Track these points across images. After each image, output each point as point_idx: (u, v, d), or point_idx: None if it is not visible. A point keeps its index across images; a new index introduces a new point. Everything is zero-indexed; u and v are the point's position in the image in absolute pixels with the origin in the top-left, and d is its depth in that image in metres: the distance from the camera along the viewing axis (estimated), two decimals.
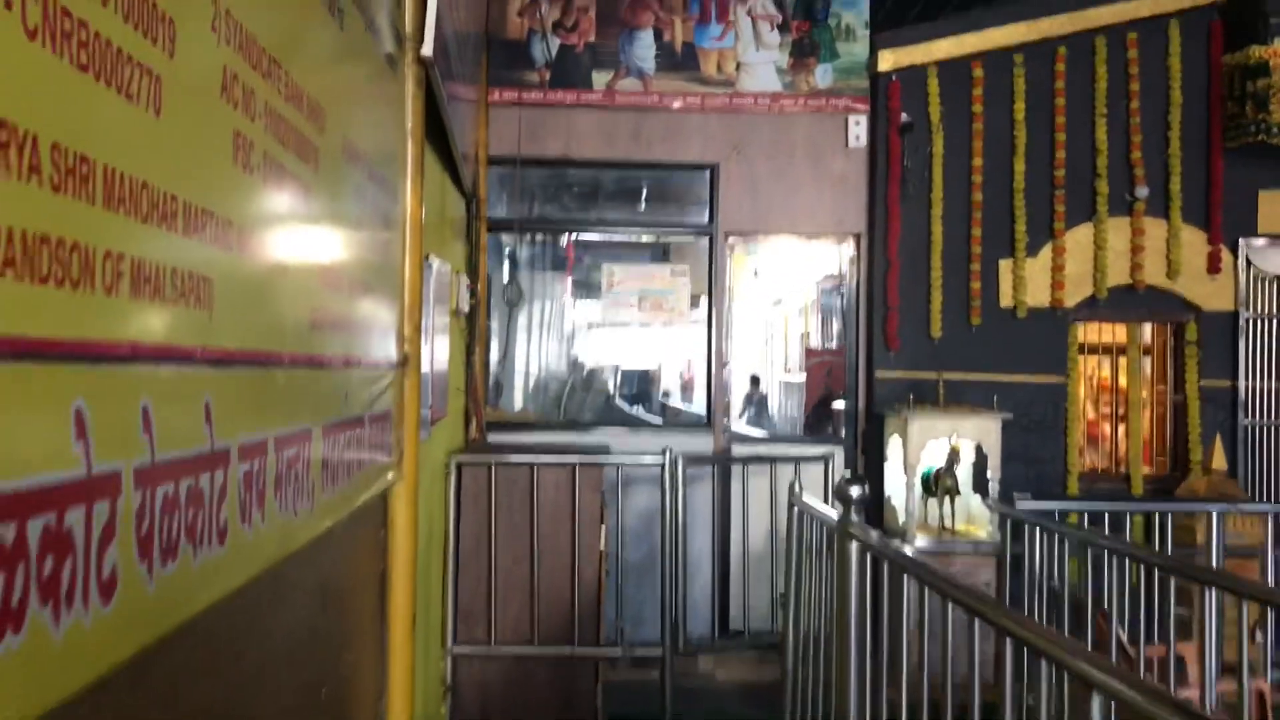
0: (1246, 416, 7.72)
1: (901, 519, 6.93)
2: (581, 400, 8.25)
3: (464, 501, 5.50)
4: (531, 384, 8.31)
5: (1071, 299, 7.63)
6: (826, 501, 5.84)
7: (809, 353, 9.40)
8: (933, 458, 6.88)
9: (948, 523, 6.91)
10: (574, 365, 8.43)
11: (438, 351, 4.51)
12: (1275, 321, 7.81)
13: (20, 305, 1.02)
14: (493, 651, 5.47)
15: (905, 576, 3.24)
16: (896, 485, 7.10)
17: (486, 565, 5.46)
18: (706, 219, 7.82)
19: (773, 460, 6.61)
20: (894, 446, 7.13)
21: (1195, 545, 6.47)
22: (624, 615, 6.30)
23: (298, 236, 2.11)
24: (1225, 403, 7.72)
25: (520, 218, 7.76)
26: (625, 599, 6.41)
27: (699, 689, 6.60)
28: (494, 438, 7.06)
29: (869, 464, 7.55)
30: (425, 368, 3.95)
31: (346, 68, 2.61)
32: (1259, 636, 5.00)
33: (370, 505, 3.09)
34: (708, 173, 7.80)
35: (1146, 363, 7.98)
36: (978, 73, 7.59)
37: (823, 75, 7.72)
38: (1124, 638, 4.47)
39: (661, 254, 8.92)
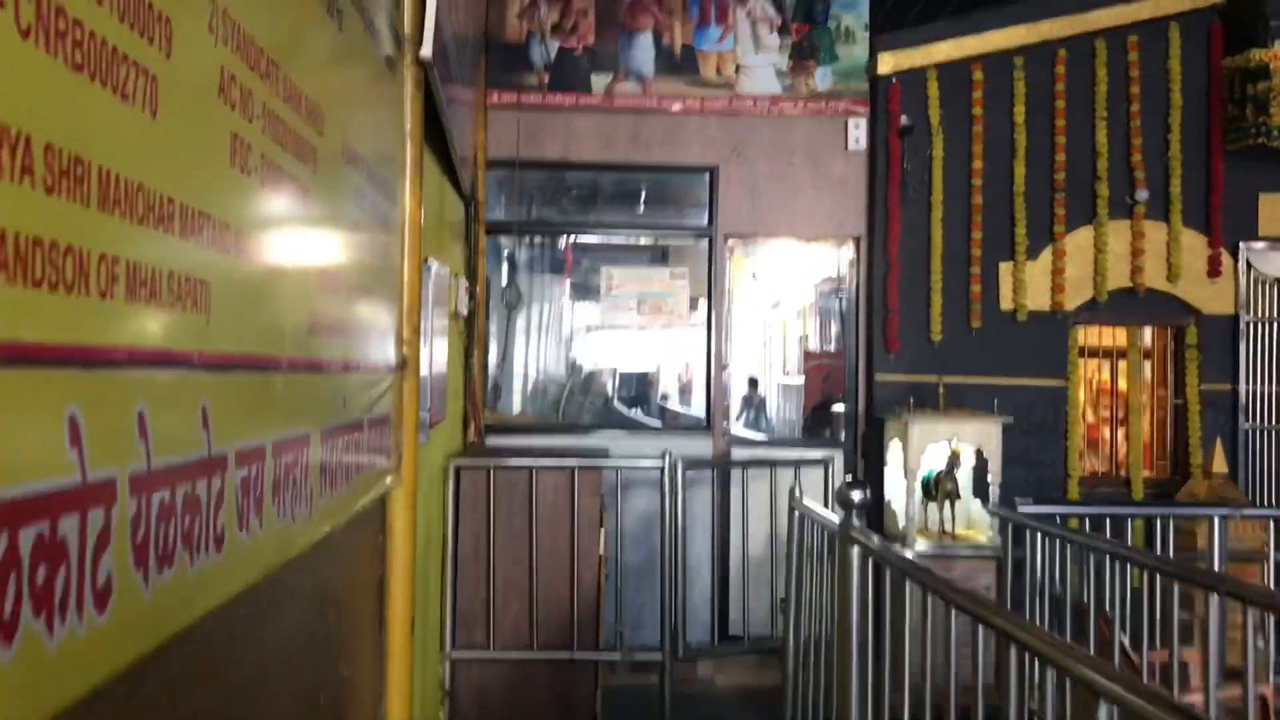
0: (1247, 420, 7.70)
1: (902, 523, 6.91)
2: (580, 403, 8.23)
3: (462, 505, 5.48)
4: (530, 387, 8.30)
5: (1072, 302, 7.62)
6: (826, 505, 5.83)
7: (807, 355, 9.39)
8: (933, 461, 6.86)
9: (948, 527, 6.88)
10: (573, 368, 8.42)
11: (436, 354, 4.50)
12: (1276, 325, 7.79)
13: (13, 309, 1.00)
14: (491, 656, 5.45)
15: (907, 581, 3.22)
16: (896, 489, 7.08)
17: (485, 569, 5.44)
18: (706, 222, 7.80)
19: (772, 464, 6.59)
20: (894, 450, 7.11)
21: (1196, 549, 6.45)
22: (623, 619, 6.28)
23: (296, 239, 2.09)
24: (1226, 406, 7.70)
25: (519, 220, 7.75)
26: (624, 603, 6.39)
27: (698, 694, 6.58)
28: (492, 441, 7.04)
29: (869, 468, 7.53)
30: (424, 371, 3.94)
31: (345, 69, 2.59)
32: (1260, 641, 4.98)
33: (369, 510, 3.07)
34: (707, 175, 7.79)
35: (1147, 366, 7.96)
36: (977, 75, 7.57)
37: (822, 78, 7.71)
38: (1126, 643, 4.45)
39: (660, 257, 8.91)
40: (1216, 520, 4.98)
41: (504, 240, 8.05)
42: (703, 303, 7.86)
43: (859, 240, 7.78)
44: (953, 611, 2.86)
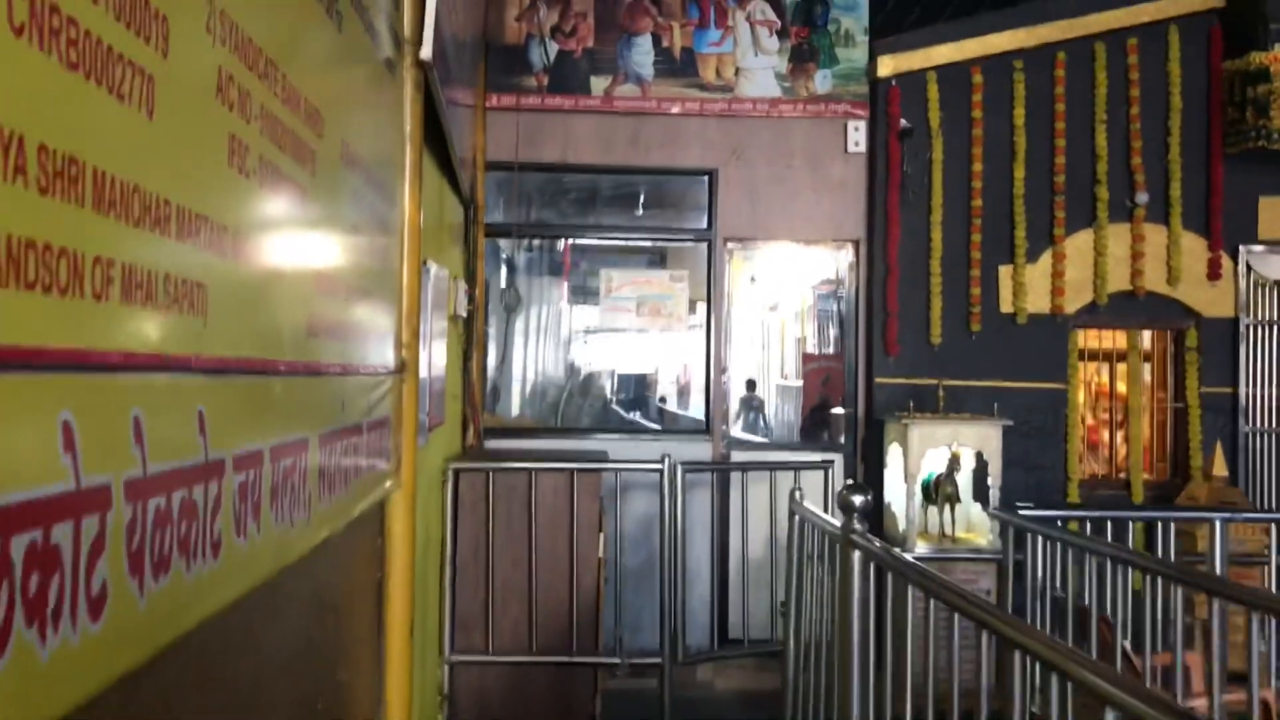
0: (1247, 423, 7.68)
1: (902, 526, 6.89)
2: (579, 406, 8.21)
3: (461, 509, 5.47)
4: (529, 390, 8.28)
5: (1072, 305, 7.60)
6: (826, 509, 5.81)
7: (806, 358, 9.37)
8: (933, 465, 6.84)
9: (948, 530, 6.86)
10: (571, 371, 8.40)
11: (435, 357, 4.48)
12: (1276, 328, 7.78)
13: (5, 312, 0.98)
14: (490, 659, 5.43)
15: (910, 586, 3.20)
16: (896, 492, 7.06)
17: (484, 573, 5.42)
18: (705, 224, 7.79)
19: (772, 467, 6.57)
20: (894, 453, 7.10)
21: (1196, 552, 6.43)
22: (622, 623, 6.26)
23: (294, 242, 2.08)
24: (1226, 409, 7.68)
25: (518, 223, 7.73)
26: (624, 606, 6.36)
27: (698, 697, 6.56)
28: (491, 444, 7.03)
29: (868, 471, 7.51)
30: (423, 374, 3.92)
31: (344, 70, 2.57)
32: (1261, 645, 4.96)
33: (368, 514, 3.06)
34: (706, 178, 7.77)
35: (1146, 369, 7.94)
36: (977, 78, 7.56)
37: (822, 81, 7.69)
38: (1128, 647, 4.44)
39: (659, 260, 8.89)
40: (1218, 524, 4.96)
41: (503, 243, 8.04)
42: (702, 305, 7.84)
43: (858, 243, 7.76)
44: (955, 616, 2.84)
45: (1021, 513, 5.26)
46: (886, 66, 7.57)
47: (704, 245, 7.80)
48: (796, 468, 6.27)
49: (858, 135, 7.66)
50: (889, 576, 3.40)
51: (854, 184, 7.72)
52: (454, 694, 5.39)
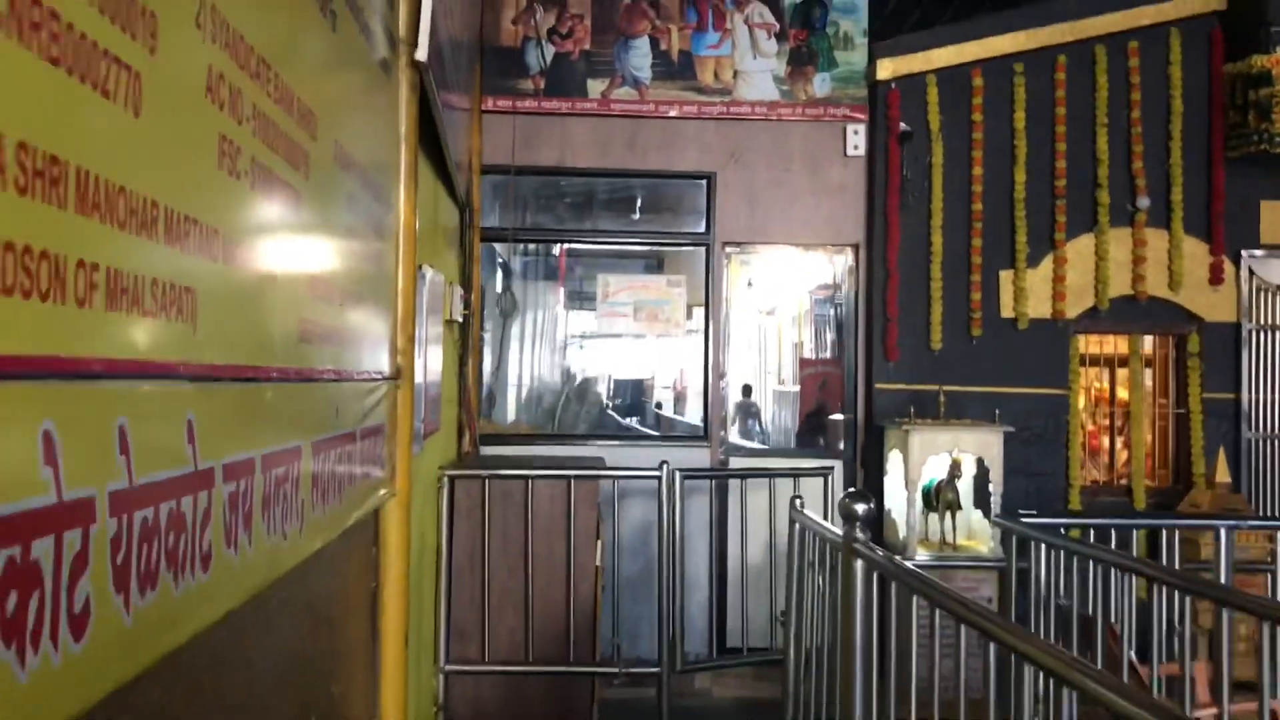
0: (1250, 430, 7.64)
1: (902, 533, 6.86)
2: (576, 412, 8.17)
3: (457, 516, 5.42)
4: (525, 396, 8.24)
5: (1073, 310, 7.57)
6: (826, 516, 5.77)
7: (803, 363, 9.32)
8: (934, 471, 6.81)
9: (949, 537, 6.83)
10: (568, 377, 8.36)
11: (431, 363, 4.44)
12: (1278, 333, 7.74)
13: None
14: (486, 669, 5.38)
15: (913, 595, 3.16)
16: (897, 499, 7.02)
17: (480, 581, 5.37)
18: (703, 229, 7.75)
19: (771, 474, 6.52)
20: (894, 460, 7.06)
21: (1199, 559, 6.40)
22: (620, 631, 6.21)
23: (287, 246, 2.04)
24: (1228, 415, 7.65)
25: (514, 227, 7.68)
26: (621, 614, 6.31)
27: (696, 706, 6.52)
28: (487, 450, 6.98)
29: (868, 477, 7.47)
30: (418, 380, 3.88)
31: (339, 71, 2.53)
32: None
33: (362, 522, 3.01)
34: (704, 182, 7.73)
35: (1148, 374, 7.90)
36: (977, 81, 7.53)
37: (821, 84, 7.66)
38: (1134, 657, 4.39)
39: (657, 264, 8.86)
40: (1223, 531, 4.91)
41: (499, 247, 8.00)
42: (699, 310, 7.80)
43: (858, 247, 7.73)
44: (962, 627, 2.80)
45: (1025, 520, 5.22)
46: (886, 69, 7.53)
47: (702, 249, 7.76)
48: (796, 475, 6.22)
49: (857, 139, 7.63)
50: (892, 586, 3.36)
51: (853, 188, 7.68)
52: (449, 704, 5.34)
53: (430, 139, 4.26)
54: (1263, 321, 7.73)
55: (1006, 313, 7.55)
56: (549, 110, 7.57)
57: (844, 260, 7.89)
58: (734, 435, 8.08)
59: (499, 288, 8.09)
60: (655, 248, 8.50)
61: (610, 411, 8.55)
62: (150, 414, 1.34)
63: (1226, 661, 3.46)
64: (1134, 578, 4.35)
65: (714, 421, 7.64)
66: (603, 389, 8.56)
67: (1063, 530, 5.23)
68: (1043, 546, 4.84)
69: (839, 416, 7.93)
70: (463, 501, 5.43)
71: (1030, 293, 7.52)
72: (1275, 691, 3.42)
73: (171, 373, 1.40)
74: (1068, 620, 4.56)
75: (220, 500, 1.59)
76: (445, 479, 5.37)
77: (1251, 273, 7.70)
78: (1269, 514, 7.47)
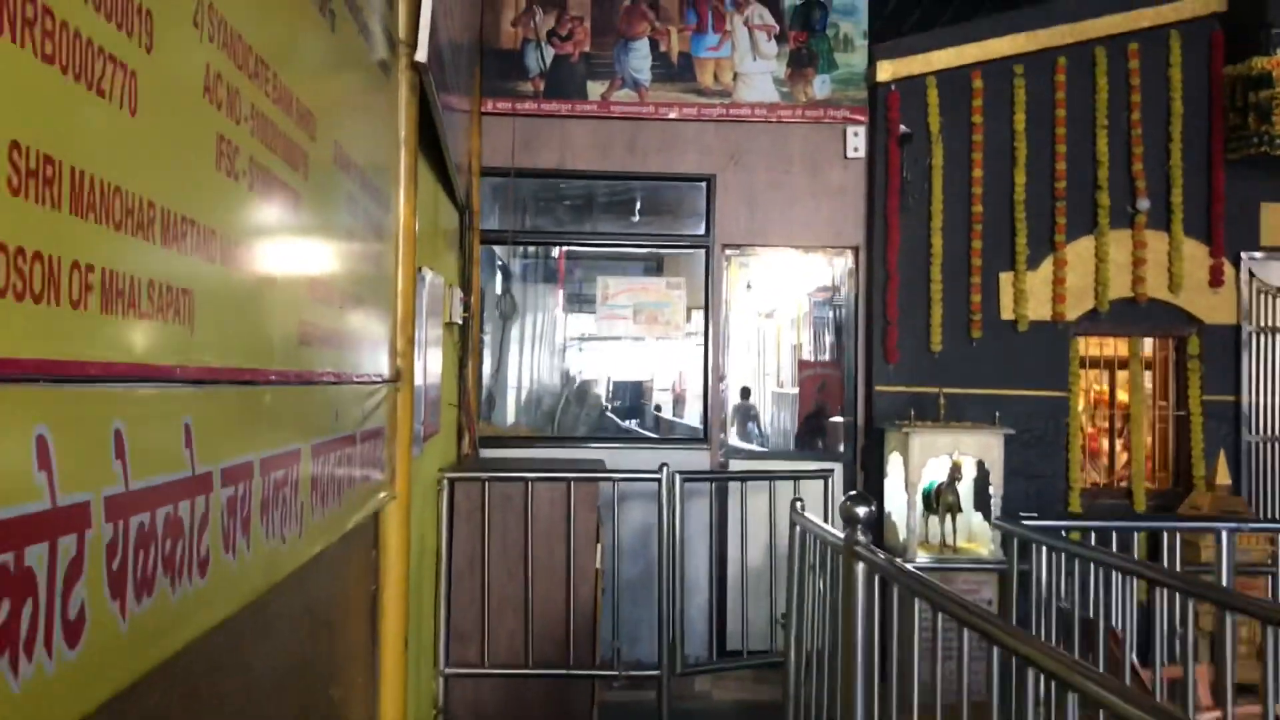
0: (1250, 432, 7.62)
1: (902, 536, 6.84)
2: (575, 414, 8.16)
3: (456, 519, 5.40)
4: (525, 398, 8.22)
5: (1073, 312, 7.55)
6: (826, 519, 5.76)
7: (802, 365, 9.31)
8: (934, 474, 6.79)
9: (949, 540, 6.81)
10: (568, 379, 8.35)
11: (430, 366, 4.43)
12: (1278, 335, 7.72)
13: None
14: (485, 672, 5.36)
15: (916, 599, 3.14)
16: (897, 502, 7.00)
17: (479, 584, 5.36)
18: (703, 231, 7.73)
19: (771, 477, 6.50)
20: (894, 462, 7.04)
21: (1200, 562, 6.38)
22: (620, 634, 6.19)
23: (286, 247, 2.02)
24: (1228, 418, 7.63)
25: (514, 229, 7.67)
26: (621, 617, 6.29)
27: (696, 709, 6.50)
28: (487, 453, 6.96)
29: (868, 480, 7.45)
30: (418, 382, 3.87)
31: (338, 72, 2.52)
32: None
33: (362, 526, 3.00)
34: (704, 184, 7.71)
35: (1148, 377, 7.88)
36: (977, 83, 7.51)
37: (821, 86, 7.64)
38: (1135, 660, 4.38)
39: (656, 266, 8.85)
40: (1224, 534, 4.89)
41: (499, 250, 7.99)
42: (698, 313, 7.78)
43: (858, 249, 7.71)
44: (965, 631, 2.78)
45: (1025, 523, 5.20)
46: (886, 71, 7.52)
47: (701, 252, 7.74)
48: (796, 477, 6.20)
49: (857, 140, 7.61)
50: (894, 589, 3.34)
51: (853, 190, 7.66)
52: (449, 708, 5.33)
53: (430, 141, 4.24)
54: (1263, 324, 7.71)
55: (1006, 315, 7.53)
56: (549, 112, 7.55)
57: (844, 262, 7.88)
58: (733, 438, 8.06)
59: (498, 290, 8.08)
60: (655, 250, 8.49)
61: (610, 414, 8.53)
62: (147, 417, 1.32)
63: (1230, 664, 3.44)
64: (1135, 580, 4.33)
65: (714, 424, 7.62)
66: (602, 391, 8.55)
67: (1063, 533, 5.20)
68: (1044, 549, 4.82)
69: (838, 419, 7.92)
70: (462, 504, 5.41)
71: (1030, 295, 7.50)
72: (1279, 695, 3.39)
73: (168, 376, 1.39)
74: (1069, 623, 4.54)
75: (218, 504, 1.57)
76: (445, 482, 5.35)
77: (1252, 275, 7.68)
78: (1269, 516, 7.45)
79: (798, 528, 4.80)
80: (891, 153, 7.46)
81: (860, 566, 3.51)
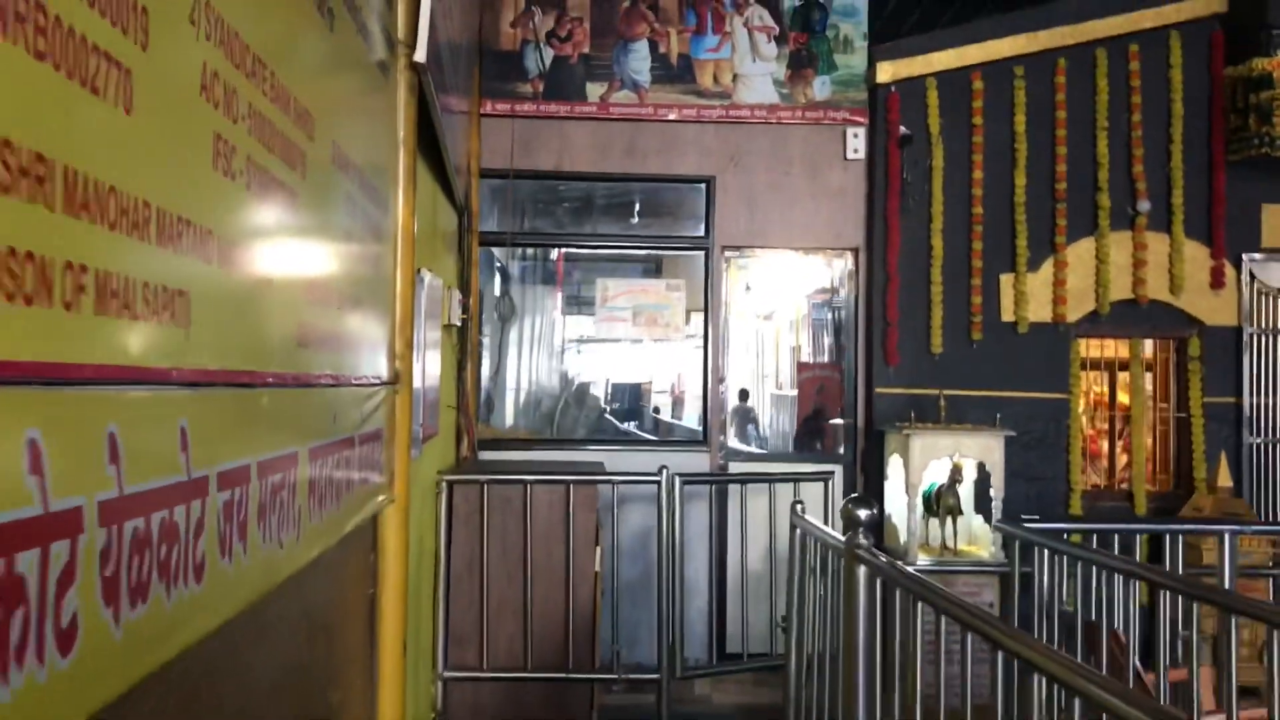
0: (1251, 434, 7.61)
1: (903, 538, 6.82)
2: (574, 417, 8.14)
3: (455, 522, 5.38)
4: (524, 400, 8.20)
5: (1073, 314, 7.53)
6: (827, 521, 5.74)
7: (801, 367, 9.29)
8: (934, 476, 6.77)
9: (950, 542, 6.79)
10: (567, 381, 8.33)
11: (429, 368, 4.41)
12: (1279, 337, 7.71)
13: None
14: (484, 676, 5.34)
15: (919, 602, 3.12)
16: (898, 504, 6.98)
17: (478, 587, 5.34)
18: (702, 232, 7.71)
19: (771, 479, 6.49)
20: (894, 464, 7.03)
21: (1201, 564, 6.37)
22: (619, 637, 6.17)
23: (283, 248, 2.00)
24: (1229, 420, 7.61)
25: (513, 231, 7.65)
26: (620, 620, 6.27)
27: (696, 713, 6.48)
28: (485, 455, 6.95)
29: (869, 482, 7.43)
30: (417, 384, 3.85)
31: (336, 71, 2.50)
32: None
33: (360, 529, 2.98)
34: (704, 186, 7.70)
35: (1149, 379, 7.86)
36: (977, 84, 7.50)
37: (820, 87, 7.63)
38: (1138, 663, 4.36)
39: (655, 268, 8.83)
40: (1226, 536, 4.88)
41: (497, 251, 7.97)
42: (698, 315, 7.76)
43: (858, 251, 7.70)
44: (969, 635, 2.76)
45: (1027, 525, 5.18)
46: (886, 72, 7.50)
47: (701, 253, 7.73)
48: (796, 479, 6.19)
49: (857, 142, 7.60)
50: (896, 592, 3.33)
51: (853, 191, 7.65)
52: (448, 711, 5.31)
53: (429, 142, 4.22)
54: (1264, 325, 7.70)
55: (1007, 316, 7.51)
56: (548, 114, 7.54)
57: (843, 264, 7.86)
58: (732, 440, 8.05)
59: (497, 292, 8.06)
60: (654, 252, 8.47)
61: (609, 416, 8.52)
62: (141, 420, 1.30)
63: (1233, 667, 3.42)
64: (1137, 583, 4.31)
65: (713, 426, 7.61)
66: (601, 394, 8.54)
67: (1065, 535, 5.19)
68: (1045, 552, 4.80)
69: (838, 420, 7.90)
70: (461, 507, 5.40)
71: (1031, 296, 7.49)
72: None
73: (164, 378, 1.36)
74: (1071, 626, 4.53)
75: (214, 509, 1.55)
76: (444, 484, 5.33)
77: (1252, 276, 7.66)
78: (1271, 519, 7.43)
79: (798, 530, 4.79)
80: (891, 154, 7.45)
81: (862, 569, 3.49)
